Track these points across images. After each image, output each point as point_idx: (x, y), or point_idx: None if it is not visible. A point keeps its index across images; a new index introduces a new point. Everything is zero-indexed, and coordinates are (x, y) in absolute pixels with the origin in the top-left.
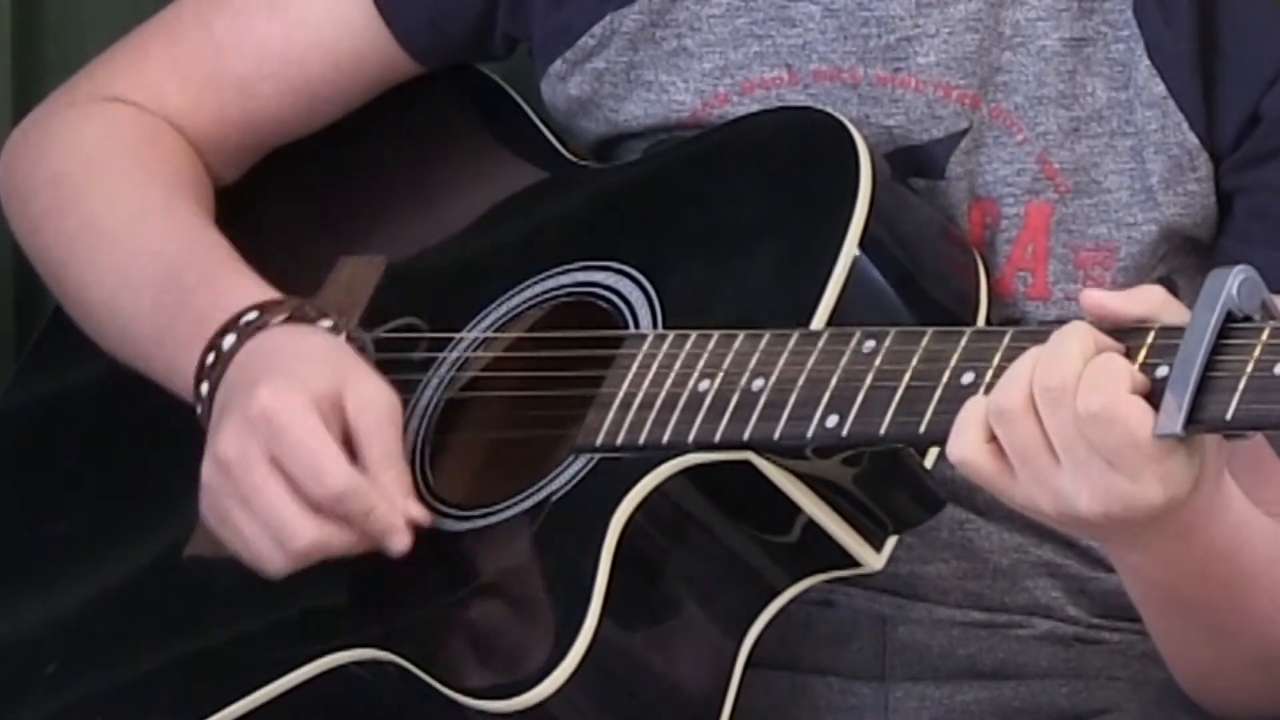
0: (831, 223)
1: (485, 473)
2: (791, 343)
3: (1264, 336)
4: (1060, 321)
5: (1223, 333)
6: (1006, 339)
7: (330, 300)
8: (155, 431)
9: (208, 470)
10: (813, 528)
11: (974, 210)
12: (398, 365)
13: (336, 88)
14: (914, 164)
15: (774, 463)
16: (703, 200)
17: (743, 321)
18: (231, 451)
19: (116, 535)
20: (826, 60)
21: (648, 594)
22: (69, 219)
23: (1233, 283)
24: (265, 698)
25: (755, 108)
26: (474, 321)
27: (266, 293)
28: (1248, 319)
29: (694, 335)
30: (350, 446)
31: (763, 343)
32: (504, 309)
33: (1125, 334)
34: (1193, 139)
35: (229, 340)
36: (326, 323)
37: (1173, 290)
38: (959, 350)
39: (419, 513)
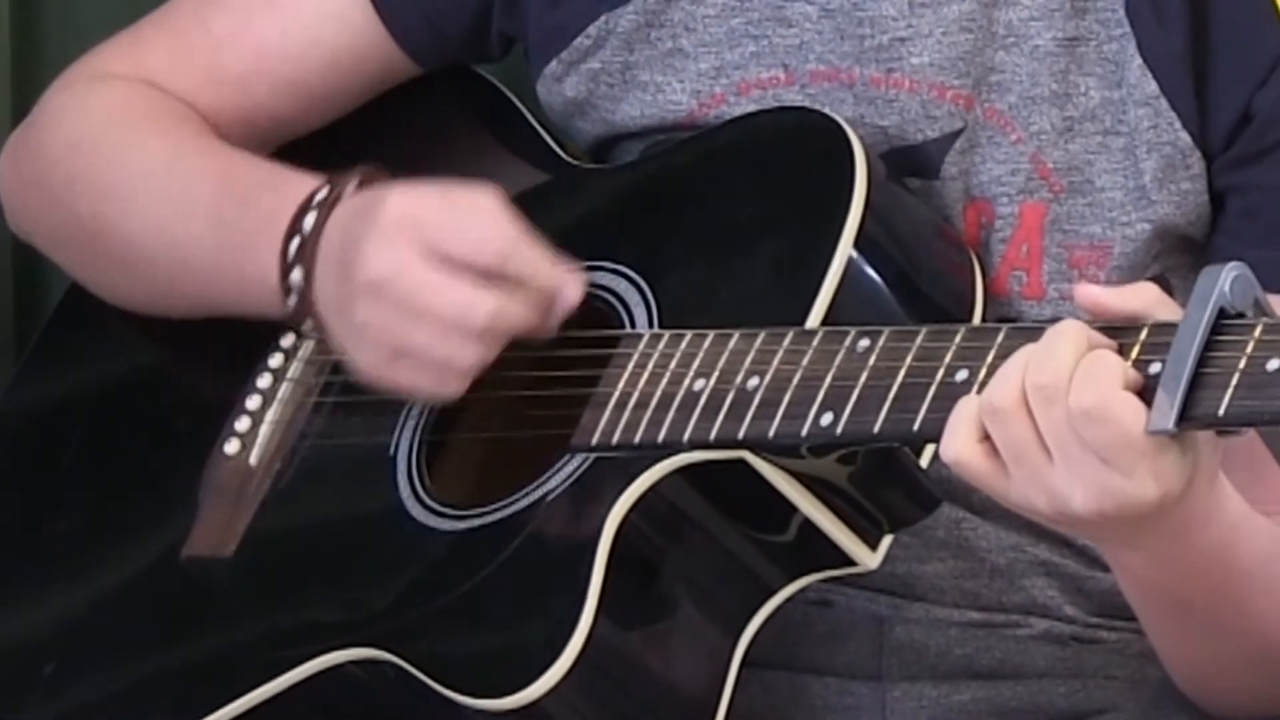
0: (827, 223)
1: (482, 472)
2: (786, 342)
3: (1256, 333)
4: (1055, 319)
5: (1215, 329)
6: (1000, 337)
7: None
8: (155, 432)
9: (361, 311)
10: (808, 527)
11: (969, 210)
12: None
13: (334, 87)
14: (909, 164)
15: (769, 461)
16: (699, 200)
17: (738, 321)
18: (384, 266)
19: (115, 535)
20: (823, 60)
21: (643, 593)
22: (99, 175)
23: (1225, 280)
24: (262, 697)
25: (752, 108)
26: None
27: (319, 176)
28: (1240, 316)
29: (689, 335)
30: None
31: (758, 342)
32: None
33: (1118, 331)
34: (1185, 138)
35: (310, 220)
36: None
37: (1166, 288)
38: (953, 348)
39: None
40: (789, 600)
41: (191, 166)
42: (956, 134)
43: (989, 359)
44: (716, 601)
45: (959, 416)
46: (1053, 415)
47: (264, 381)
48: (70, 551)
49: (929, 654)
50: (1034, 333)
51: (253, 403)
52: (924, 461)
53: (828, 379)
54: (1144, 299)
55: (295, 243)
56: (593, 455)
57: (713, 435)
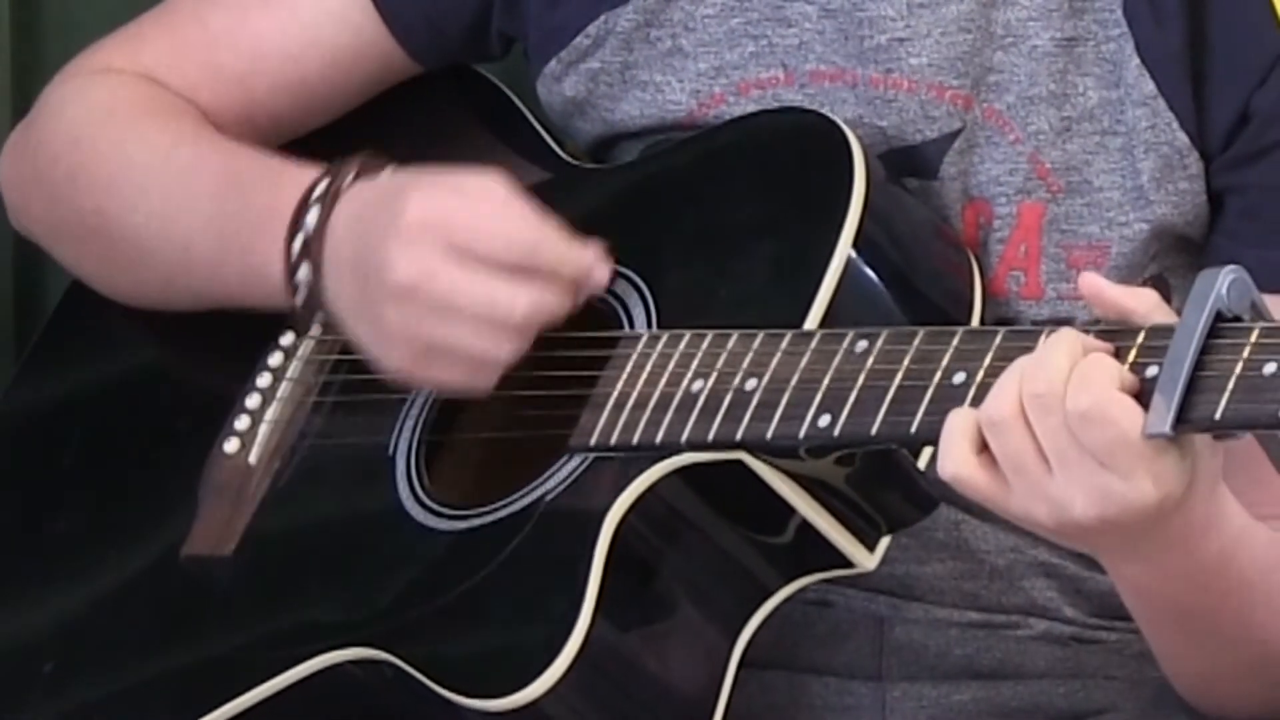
0: (826, 223)
1: (481, 472)
2: (784, 343)
3: (1253, 337)
4: (1053, 321)
5: (1212, 332)
6: (998, 339)
7: None
8: (155, 431)
9: (390, 315)
10: (806, 528)
11: (967, 210)
12: None
13: (334, 85)
14: (908, 164)
15: (767, 463)
16: (698, 201)
17: (737, 322)
18: (411, 271)
19: (115, 534)
20: (823, 60)
21: (641, 594)
22: (100, 169)
23: (1222, 283)
24: (261, 696)
25: (751, 108)
26: None
27: (317, 168)
28: (1237, 319)
29: (688, 335)
30: None
31: (756, 343)
32: None
33: (1115, 334)
34: (1183, 138)
35: (312, 215)
36: (389, 170)
37: (1165, 289)
38: (950, 350)
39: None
40: (787, 601)
41: (191, 160)
42: (955, 134)
43: (986, 361)
44: (714, 602)
45: (952, 432)
46: (1050, 423)
47: (264, 380)
48: (70, 550)
49: (929, 654)
50: (1032, 335)
51: (252, 402)
52: (921, 463)
53: (825, 380)
54: (1143, 301)
55: (299, 239)
56: (591, 456)
57: (710, 436)
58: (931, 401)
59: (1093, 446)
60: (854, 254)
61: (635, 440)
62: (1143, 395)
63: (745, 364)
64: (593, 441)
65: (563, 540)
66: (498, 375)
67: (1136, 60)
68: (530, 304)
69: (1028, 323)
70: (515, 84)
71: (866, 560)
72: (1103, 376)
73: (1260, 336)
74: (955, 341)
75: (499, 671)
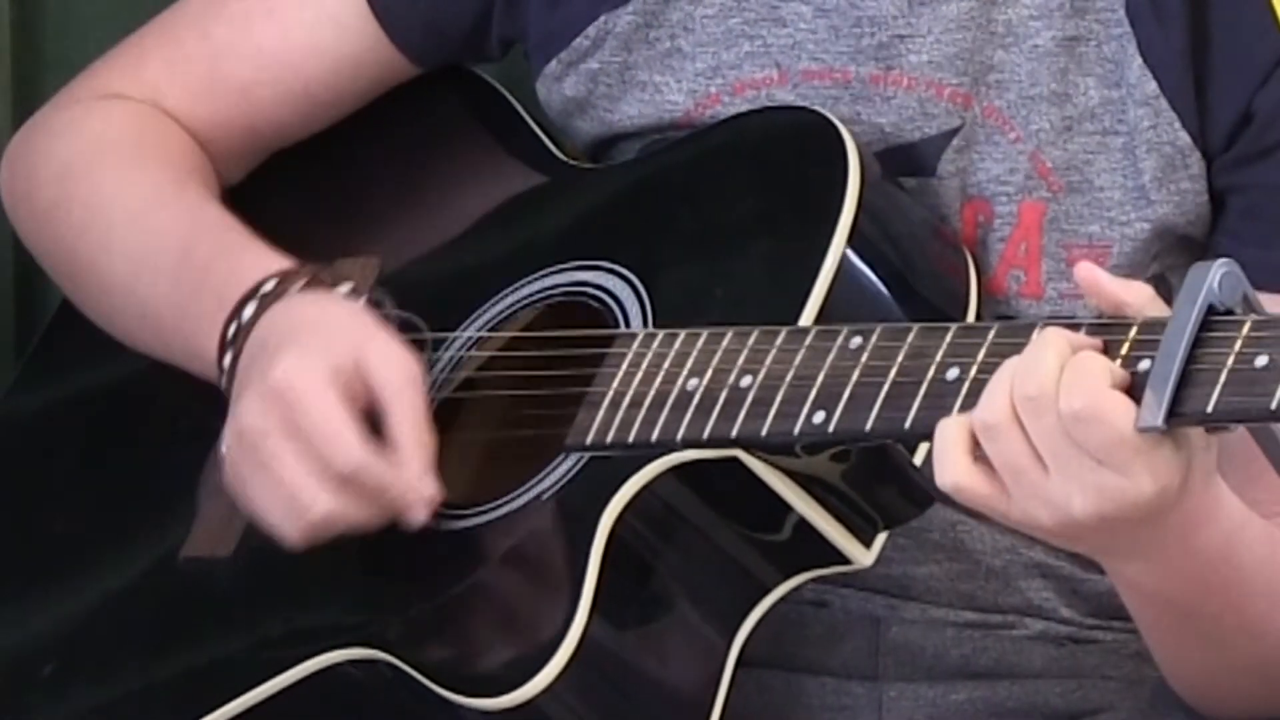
0: (820, 221)
1: (479, 472)
2: (779, 340)
3: (1245, 330)
4: (1053, 319)
5: (1204, 326)
6: (991, 335)
7: None
8: (154, 433)
9: (229, 439)
10: (802, 525)
11: (966, 209)
12: None
13: (334, 91)
14: (906, 162)
15: (762, 460)
16: (693, 200)
17: (732, 320)
18: (251, 421)
19: (114, 536)
20: (816, 59)
21: (637, 592)
22: (78, 210)
23: (1214, 276)
24: (260, 697)
25: (746, 108)
26: (468, 321)
27: (283, 262)
28: (1229, 312)
29: (683, 334)
30: (373, 415)
31: (750, 340)
32: (498, 309)
33: (1107, 329)
34: (1185, 137)
35: (249, 310)
36: (345, 288)
37: (1166, 289)
38: (944, 346)
39: (432, 492)
40: (784, 599)
41: (164, 221)
42: (953, 132)
43: (980, 357)
44: (711, 600)
45: (945, 441)
46: (1043, 424)
47: None
48: (69, 552)
49: (925, 654)
50: (1025, 330)
51: None
52: (917, 460)
53: (820, 377)
54: (1137, 295)
55: (233, 329)
56: (587, 455)
57: (706, 434)
58: (926, 397)
59: (1088, 445)
60: (849, 252)
61: (631, 438)
62: (1135, 389)
63: (740, 361)
64: (589, 440)
65: (559, 539)
66: (297, 546)
67: (1139, 60)
68: (327, 514)
69: (1020, 320)
70: (513, 85)
71: (863, 557)
72: (1094, 374)
73: (1252, 330)
74: (949, 337)
75: (496, 670)
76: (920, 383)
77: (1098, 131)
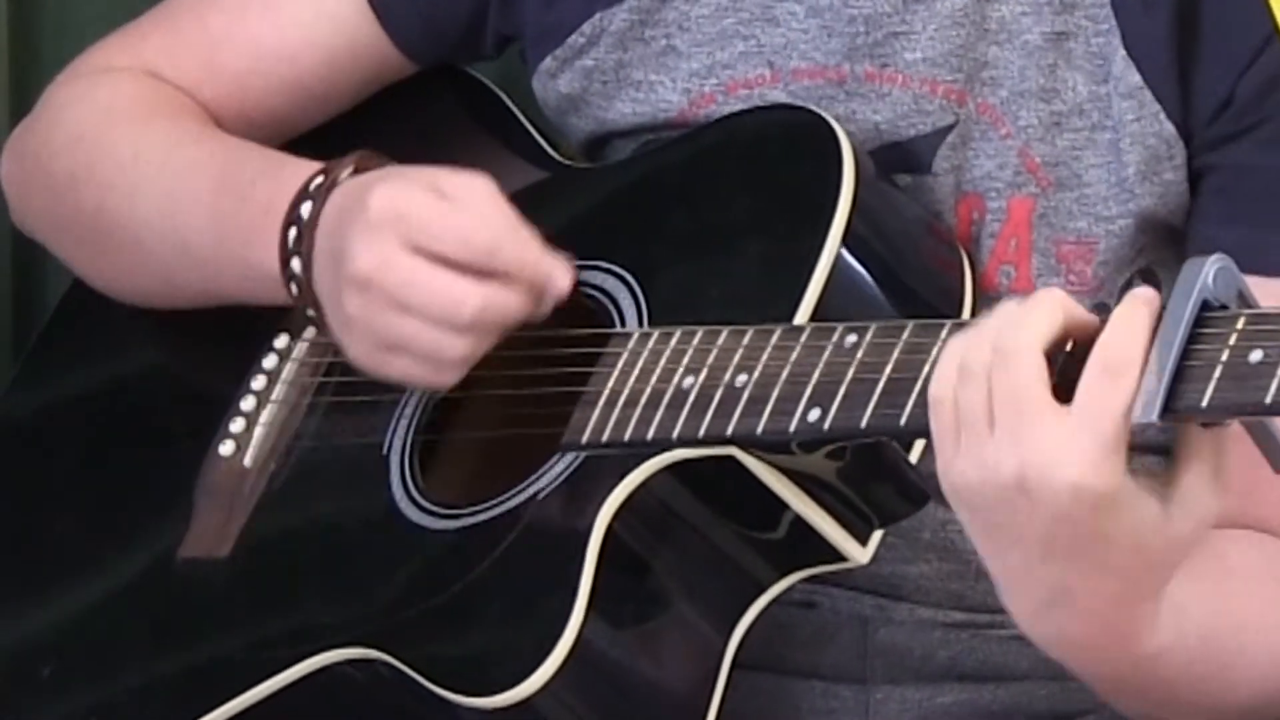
0: (815, 219)
1: (476, 471)
2: (774, 338)
3: (1239, 324)
4: None
5: (1198, 321)
6: None
7: None
8: (151, 433)
9: (350, 304)
10: (798, 522)
11: (961, 205)
12: None
13: (330, 85)
14: (900, 159)
15: (758, 458)
16: (689, 199)
17: (728, 318)
18: (369, 261)
19: (112, 537)
20: (807, 58)
21: (634, 590)
22: (102, 167)
23: (1208, 272)
24: (257, 697)
25: (740, 107)
26: None
27: (319, 162)
28: (1224, 307)
29: (679, 332)
30: None
31: (746, 339)
32: None
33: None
34: (1169, 128)
35: (306, 208)
36: (389, 166)
37: (1154, 281)
38: (938, 343)
39: (561, 259)
40: (781, 597)
41: (191, 157)
42: (948, 129)
43: None
44: (708, 598)
45: (949, 352)
46: (1004, 382)
47: (258, 383)
48: (67, 553)
49: (913, 656)
50: None
51: (247, 404)
52: (913, 457)
53: (815, 375)
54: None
55: (294, 232)
56: (583, 454)
57: (701, 432)
58: (920, 394)
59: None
60: (843, 250)
61: (627, 437)
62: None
63: (736, 360)
64: (585, 439)
65: (555, 538)
66: (458, 373)
67: (1123, 52)
68: (480, 304)
69: None
70: (508, 83)
71: (859, 554)
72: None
73: (1246, 324)
74: (943, 334)
75: (492, 669)
76: (915, 379)
77: (1086, 127)
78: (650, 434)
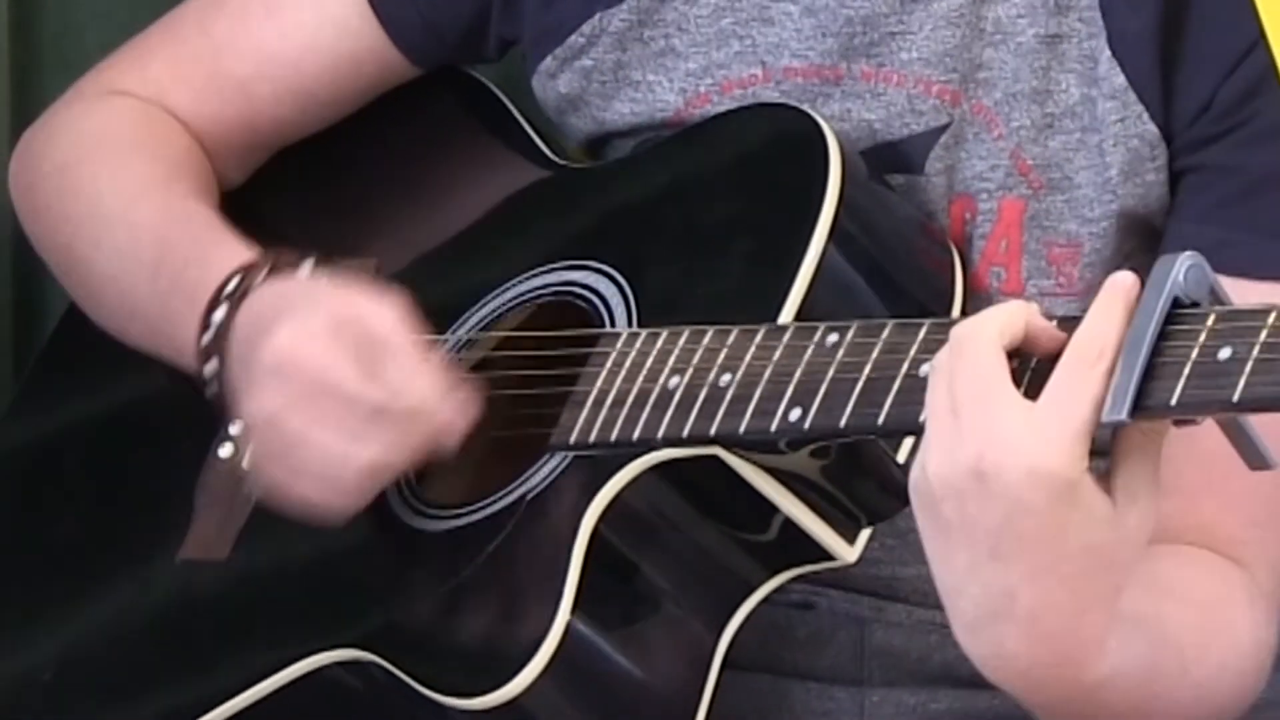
0: (801, 218)
1: (466, 472)
2: (758, 338)
3: (1209, 322)
4: None
5: (1169, 319)
6: None
7: None
8: (152, 438)
9: (256, 437)
10: (785, 521)
11: (954, 206)
12: None
13: (334, 90)
14: (894, 159)
15: (742, 457)
16: (678, 198)
17: (715, 318)
18: (266, 404)
19: (112, 539)
20: (800, 56)
21: (621, 590)
22: (74, 205)
23: (1180, 269)
24: (250, 700)
25: (733, 107)
26: (459, 322)
27: (245, 255)
28: (1195, 305)
29: (665, 333)
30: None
31: (731, 339)
32: (488, 309)
33: (1074, 322)
34: (1152, 129)
35: (220, 313)
36: (307, 267)
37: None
38: (917, 342)
39: (463, 398)
40: (770, 597)
41: (145, 219)
42: (941, 129)
43: None
44: (696, 599)
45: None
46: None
47: None
48: (67, 555)
49: (909, 659)
50: None
51: None
52: (901, 456)
53: (797, 375)
54: None
55: (208, 336)
56: (571, 454)
57: (685, 432)
58: (899, 393)
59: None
60: (830, 249)
61: (613, 437)
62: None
63: (720, 359)
64: (572, 439)
65: (542, 539)
66: (349, 511)
67: (1108, 53)
68: (372, 459)
69: None
70: (509, 86)
71: (847, 553)
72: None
73: (1215, 322)
74: (922, 333)
75: (479, 670)
76: (894, 378)
77: (1077, 129)
78: (636, 434)
